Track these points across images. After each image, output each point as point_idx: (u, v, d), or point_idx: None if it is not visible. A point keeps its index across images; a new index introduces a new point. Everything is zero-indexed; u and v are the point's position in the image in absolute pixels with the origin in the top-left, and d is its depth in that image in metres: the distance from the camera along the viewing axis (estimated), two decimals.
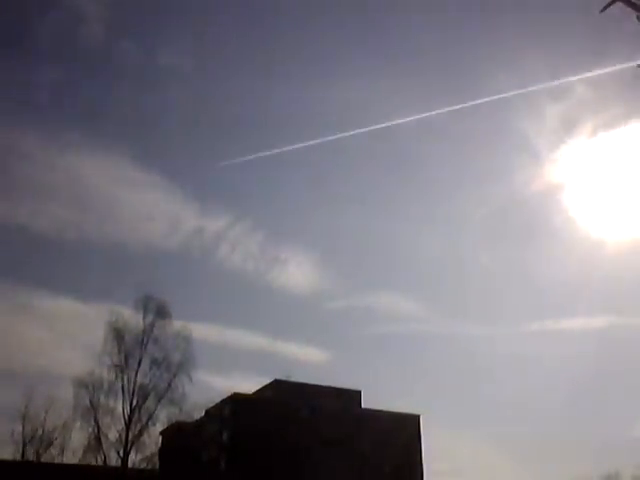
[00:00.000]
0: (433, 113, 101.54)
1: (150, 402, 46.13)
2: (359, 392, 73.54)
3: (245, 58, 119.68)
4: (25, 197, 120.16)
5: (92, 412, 44.96)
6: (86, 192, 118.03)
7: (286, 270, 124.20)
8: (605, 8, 13.49)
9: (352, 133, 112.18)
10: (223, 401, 67.41)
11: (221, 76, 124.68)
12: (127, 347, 46.38)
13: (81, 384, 45.01)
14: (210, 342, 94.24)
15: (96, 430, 44.86)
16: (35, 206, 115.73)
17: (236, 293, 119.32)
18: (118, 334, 46.36)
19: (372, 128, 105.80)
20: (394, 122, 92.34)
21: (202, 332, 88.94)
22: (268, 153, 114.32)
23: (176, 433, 56.55)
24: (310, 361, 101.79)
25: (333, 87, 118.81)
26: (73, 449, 48.78)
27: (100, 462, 44.85)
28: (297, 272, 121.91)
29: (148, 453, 47.59)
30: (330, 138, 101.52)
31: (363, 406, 73.31)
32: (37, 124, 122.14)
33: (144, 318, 47.26)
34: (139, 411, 45.74)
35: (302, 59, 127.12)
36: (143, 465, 47.40)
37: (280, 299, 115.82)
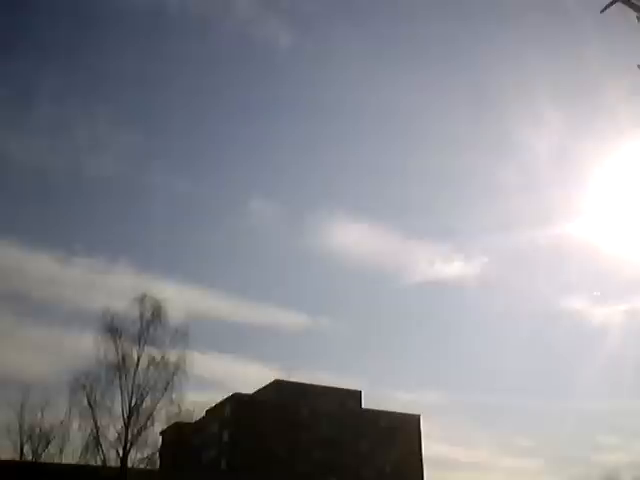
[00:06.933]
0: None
1: (149, 402, 45.82)
2: (359, 392, 73.61)
3: None
4: None
5: (90, 412, 44.66)
6: None
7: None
8: (605, 8, 13.35)
9: None
10: (223, 401, 67.47)
11: None
12: (124, 346, 46.08)
13: (79, 383, 44.73)
14: None
15: (95, 430, 44.58)
16: None
17: None
18: (115, 333, 46.09)
19: None
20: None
21: None
22: None
23: (176, 433, 56.35)
24: None
25: None
26: (72, 449, 48.44)
27: (99, 462, 44.57)
28: None
29: (148, 453, 47.25)
30: None
31: (363, 406, 73.32)
32: None
33: (141, 317, 46.94)
34: (138, 411, 45.38)
35: None
36: (143, 465, 47.09)
37: None
